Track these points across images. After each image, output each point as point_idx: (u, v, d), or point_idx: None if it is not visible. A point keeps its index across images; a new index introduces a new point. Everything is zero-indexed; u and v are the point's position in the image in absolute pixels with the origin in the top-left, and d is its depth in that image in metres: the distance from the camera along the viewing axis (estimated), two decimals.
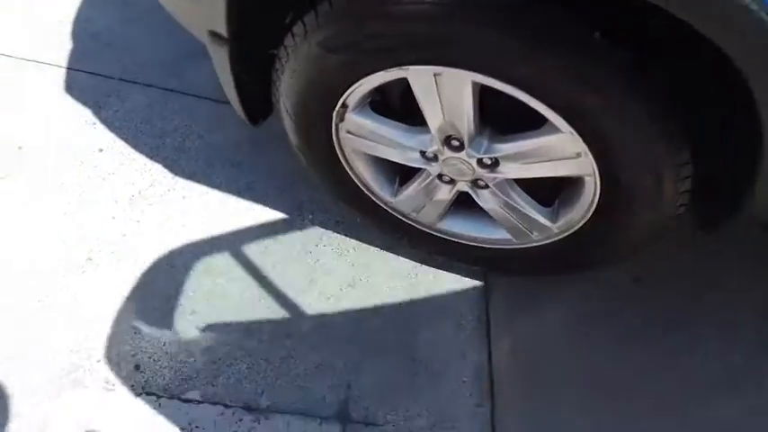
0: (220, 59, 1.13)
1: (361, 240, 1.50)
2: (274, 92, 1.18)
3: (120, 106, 1.63)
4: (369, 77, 1.04)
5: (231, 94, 1.22)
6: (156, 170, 1.55)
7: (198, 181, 1.55)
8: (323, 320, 1.39)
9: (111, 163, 1.55)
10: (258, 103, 1.27)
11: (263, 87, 1.20)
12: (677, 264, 1.45)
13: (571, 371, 1.35)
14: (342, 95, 1.10)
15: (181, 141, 1.60)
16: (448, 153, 1.14)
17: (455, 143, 1.11)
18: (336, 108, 1.13)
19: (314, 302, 1.41)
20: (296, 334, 1.37)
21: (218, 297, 1.39)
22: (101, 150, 1.57)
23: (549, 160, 1.06)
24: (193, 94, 1.67)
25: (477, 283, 1.46)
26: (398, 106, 1.21)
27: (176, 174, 1.55)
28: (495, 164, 1.12)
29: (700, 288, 1.44)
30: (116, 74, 1.68)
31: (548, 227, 1.21)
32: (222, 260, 1.44)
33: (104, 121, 1.61)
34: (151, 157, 1.57)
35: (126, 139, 1.59)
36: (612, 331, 1.39)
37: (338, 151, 1.25)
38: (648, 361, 1.35)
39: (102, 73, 1.68)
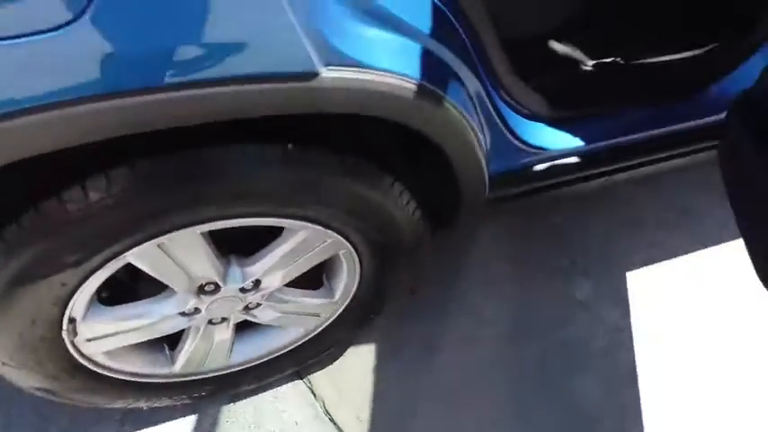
0: None
1: (157, 424, 1.33)
2: None
3: None
4: (84, 285, 0.92)
5: None
6: None
7: None
8: None
9: None
10: None
11: None
12: (439, 268, 1.62)
13: (398, 400, 1.42)
14: (63, 315, 0.95)
15: None
16: (208, 300, 1.08)
17: (210, 287, 1.05)
18: (64, 328, 0.97)
19: None
20: None
21: None
22: None
23: (303, 257, 1.08)
24: None
25: (295, 383, 1.42)
26: (131, 284, 1.10)
27: None
28: (256, 283, 1.10)
29: (455, 280, 1.63)
30: None
31: (329, 304, 1.24)
32: None
33: None
34: None
35: None
36: (415, 345, 1.50)
37: (88, 364, 1.07)
38: (453, 353, 1.50)
39: None
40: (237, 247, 1.08)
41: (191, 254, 0.97)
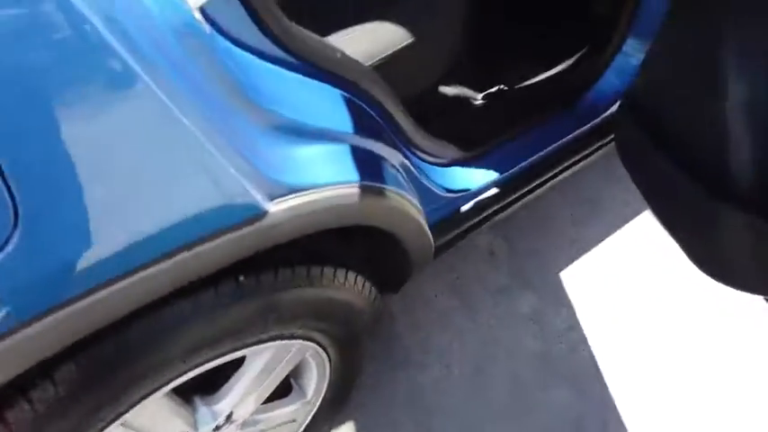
0: None
1: None
2: None
3: None
4: None
5: None
6: None
7: None
8: None
9: None
10: None
11: None
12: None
13: None
14: None
15: None
16: None
17: None
18: None
19: None
20: None
21: None
22: None
23: (273, 374, 1.02)
24: None
25: None
26: None
27: None
28: (229, 416, 1.02)
29: (406, 328, 1.61)
30: None
31: (303, 405, 1.18)
32: None
33: None
34: None
35: None
36: (392, 401, 1.48)
37: None
38: (431, 399, 1.49)
39: None
40: (199, 384, 1.00)
41: (156, 416, 0.88)
